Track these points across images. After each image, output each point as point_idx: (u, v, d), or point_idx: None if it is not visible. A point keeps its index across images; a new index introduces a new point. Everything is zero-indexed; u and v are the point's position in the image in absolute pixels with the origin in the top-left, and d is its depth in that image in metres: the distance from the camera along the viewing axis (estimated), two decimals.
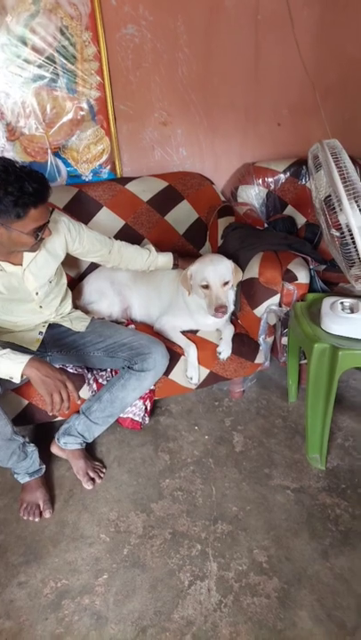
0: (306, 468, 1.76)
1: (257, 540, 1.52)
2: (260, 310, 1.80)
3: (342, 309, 1.59)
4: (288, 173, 2.27)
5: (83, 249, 1.74)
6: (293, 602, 1.36)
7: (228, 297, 1.75)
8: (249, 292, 1.81)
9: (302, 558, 1.47)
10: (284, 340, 1.91)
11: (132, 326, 1.92)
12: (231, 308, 1.88)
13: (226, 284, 1.71)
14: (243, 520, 1.59)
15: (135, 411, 1.83)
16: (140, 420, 1.84)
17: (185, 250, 2.26)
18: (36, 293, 1.62)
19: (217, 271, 1.70)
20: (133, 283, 2.04)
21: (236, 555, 1.49)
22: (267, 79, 2.25)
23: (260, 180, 2.24)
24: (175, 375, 1.80)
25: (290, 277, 1.73)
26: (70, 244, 1.69)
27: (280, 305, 1.78)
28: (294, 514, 1.60)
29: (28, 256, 1.54)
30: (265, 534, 1.54)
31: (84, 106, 2.10)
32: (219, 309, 1.67)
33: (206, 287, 1.71)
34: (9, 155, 2.11)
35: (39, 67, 1.98)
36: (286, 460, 1.80)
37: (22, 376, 1.39)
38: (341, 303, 1.60)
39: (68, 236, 1.67)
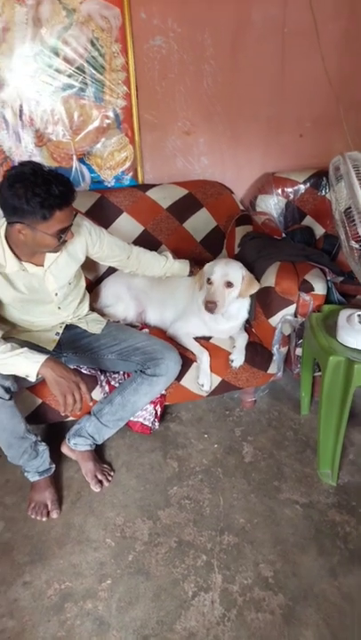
0: (316, 482, 1.73)
1: (263, 554, 1.50)
2: (275, 320, 1.79)
3: (359, 322, 1.56)
4: (308, 184, 2.27)
5: (102, 253, 1.77)
6: (298, 620, 1.32)
7: (227, 298, 1.74)
8: (265, 301, 1.80)
9: (309, 575, 1.43)
10: (299, 351, 1.89)
11: (146, 330, 1.94)
12: (245, 315, 1.88)
13: (229, 285, 1.73)
14: (250, 532, 1.56)
15: (145, 415, 1.83)
16: (150, 425, 1.84)
17: (202, 257, 2.27)
18: (56, 294, 1.64)
19: (224, 270, 1.74)
20: (149, 288, 2.05)
21: (241, 568, 1.46)
22: (291, 91, 2.27)
23: (280, 190, 2.25)
24: (187, 381, 1.79)
25: (306, 288, 1.72)
26: (90, 248, 1.72)
27: (295, 315, 1.77)
28: (302, 529, 1.56)
29: (49, 258, 1.57)
30: (272, 548, 1.51)
31: (110, 114, 2.15)
32: (208, 303, 1.70)
33: (210, 282, 1.74)
34: (36, 160, 2.17)
35: (69, 76, 2.04)
36: (296, 473, 1.77)
37: (38, 375, 1.41)
38: (359, 316, 1.58)
39: (88, 240, 1.69)
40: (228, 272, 1.74)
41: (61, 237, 1.45)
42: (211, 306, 1.69)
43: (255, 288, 1.78)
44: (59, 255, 1.59)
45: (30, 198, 1.32)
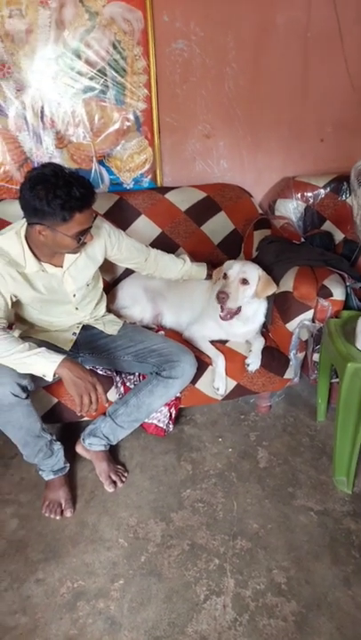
0: (331, 490, 1.71)
1: (277, 560, 1.49)
2: (292, 325, 1.78)
3: None
4: (328, 189, 2.25)
5: (121, 255, 1.78)
6: (311, 628, 1.31)
7: (241, 294, 1.74)
8: (282, 306, 1.79)
9: (323, 583, 1.42)
10: (316, 357, 1.87)
11: (162, 333, 1.94)
12: (262, 319, 1.88)
13: (245, 282, 1.73)
14: (263, 538, 1.56)
15: (160, 417, 1.83)
16: (165, 427, 1.84)
17: (219, 260, 2.27)
18: (74, 295, 1.66)
19: (241, 268, 1.75)
20: (166, 290, 2.06)
21: (254, 573, 1.45)
22: (313, 96, 2.26)
23: (300, 195, 2.24)
24: (202, 385, 1.79)
25: (325, 293, 1.71)
26: (109, 250, 1.73)
27: (313, 321, 1.76)
28: (317, 537, 1.55)
29: (68, 259, 1.58)
30: (285, 555, 1.50)
31: (131, 117, 2.16)
32: (219, 293, 1.71)
33: (226, 277, 1.75)
34: (56, 161, 2.19)
35: (90, 79, 2.06)
36: (311, 480, 1.75)
37: (54, 375, 1.42)
38: None
39: (107, 242, 1.71)
40: (245, 270, 1.75)
41: (81, 239, 1.46)
42: (222, 296, 1.69)
43: (272, 289, 1.77)
44: (78, 257, 1.60)
45: (51, 200, 1.34)
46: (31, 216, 1.41)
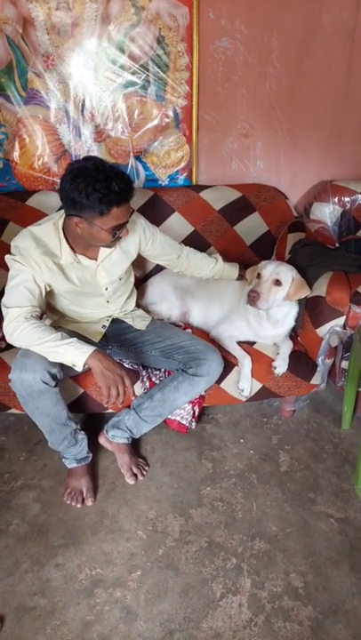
0: (353, 499, 1.70)
1: (294, 564, 1.49)
2: (322, 330, 1.76)
3: None
4: None
5: (154, 251, 1.79)
6: (327, 634, 1.31)
7: (273, 295, 1.72)
8: (314, 311, 1.77)
9: (340, 590, 1.41)
10: (345, 364, 1.85)
11: (189, 331, 1.95)
12: (292, 323, 1.86)
13: (278, 283, 1.72)
14: (282, 541, 1.56)
15: (183, 414, 1.84)
16: (187, 424, 1.85)
17: (250, 262, 2.26)
18: (106, 289, 1.68)
19: (275, 268, 1.73)
20: (195, 288, 2.06)
21: (271, 575, 1.46)
22: (356, 99, 2.21)
23: (337, 199, 2.20)
24: (226, 385, 1.79)
25: (358, 300, 1.68)
26: (143, 245, 1.74)
27: (344, 327, 1.74)
28: (336, 544, 1.54)
29: (103, 252, 1.60)
30: (303, 559, 1.50)
31: (170, 113, 2.17)
32: (251, 292, 1.70)
33: (259, 277, 1.74)
34: (93, 155, 2.21)
35: (132, 73, 2.07)
36: (333, 487, 1.74)
37: (84, 365, 1.45)
38: None
39: (142, 237, 1.72)
40: (278, 271, 1.73)
41: (116, 233, 1.47)
42: (253, 295, 1.68)
43: (305, 293, 1.75)
44: (112, 250, 1.62)
45: (90, 193, 1.35)
46: (69, 208, 1.43)
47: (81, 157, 2.18)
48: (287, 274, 1.74)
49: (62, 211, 1.51)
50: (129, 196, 1.43)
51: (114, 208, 1.40)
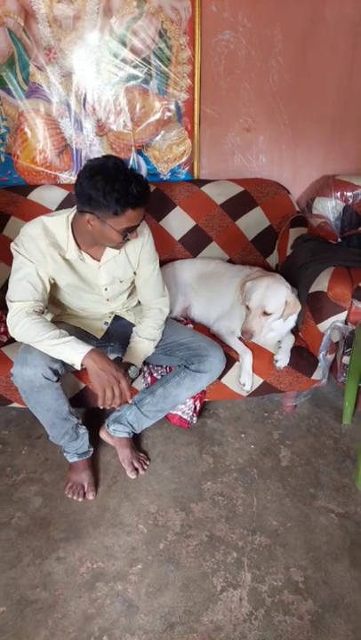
0: (354, 494, 1.70)
1: (295, 559, 1.49)
2: (324, 325, 1.76)
3: None
4: None
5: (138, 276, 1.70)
6: (327, 628, 1.31)
7: (265, 326, 1.71)
8: (315, 306, 1.77)
9: (340, 585, 1.42)
10: (346, 360, 1.85)
11: (191, 326, 1.95)
12: (292, 325, 1.85)
13: (266, 314, 1.69)
14: (282, 536, 1.56)
15: (185, 409, 1.85)
16: (189, 419, 1.86)
17: (251, 256, 2.26)
18: (105, 289, 1.67)
19: (263, 300, 1.69)
20: (197, 284, 2.06)
21: (271, 569, 1.46)
22: (359, 93, 2.20)
23: (339, 194, 2.19)
24: (228, 380, 1.80)
25: (360, 295, 1.68)
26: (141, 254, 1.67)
27: (346, 323, 1.73)
28: (336, 539, 1.55)
29: (107, 254, 1.59)
30: (304, 554, 1.50)
31: (172, 107, 2.15)
32: (244, 333, 1.69)
33: (248, 308, 1.72)
34: (95, 149, 2.21)
35: (135, 67, 2.06)
36: (334, 482, 1.74)
37: (82, 365, 1.45)
38: None
39: (141, 251, 1.65)
40: (267, 301, 1.67)
41: (126, 235, 1.47)
42: (247, 336, 1.69)
43: (297, 311, 1.75)
44: (117, 255, 1.60)
45: (108, 192, 1.34)
46: (84, 204, 1.41)
47: (82, 151, 2.21)
48: (278, 299, 1.69)
49: (74, 207, 1.50)
50: (145, 200, 1.42)
51: (129, 210, 1.39)
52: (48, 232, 1.50)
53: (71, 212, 1.53)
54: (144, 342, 1.70)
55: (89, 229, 1.45)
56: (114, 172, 1.35)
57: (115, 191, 1.34)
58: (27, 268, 1.48)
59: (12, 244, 1.51)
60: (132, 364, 1.66)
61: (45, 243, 1.49)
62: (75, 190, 1.42)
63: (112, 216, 1.39)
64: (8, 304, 1.49)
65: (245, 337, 1.70)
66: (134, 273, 1.69)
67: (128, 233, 1.46)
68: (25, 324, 1.44)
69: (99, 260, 1.59)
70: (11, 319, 1.47)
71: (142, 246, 1.64)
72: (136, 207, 1.40)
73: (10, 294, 1.50)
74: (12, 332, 1.48)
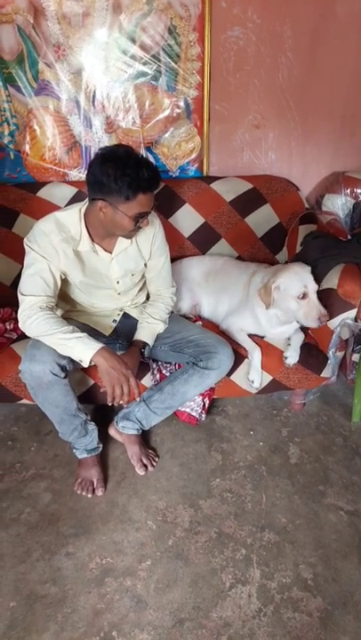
0: None
1: (304, 556, 1.49)
2: (333, 323, 1.75)
3: None
4: None
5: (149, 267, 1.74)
6: (337, 625, 1.31)
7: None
8: (325, 303, 1.75)
9: (350, 582, 1.41)
10: (355, 357, 1.85)
11: (200, 323, 1.94)
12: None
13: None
14: (291, 533, 1.56)
15: (193, 406, 1.85)
16: (197, 416, 1.86)
17: (260, 253, 2.25)
18: (117, 282, 1.68)
19: (312, 280, 1.70)
20: (205, 281, 2.06)
21: (280, 566, 1.46)
22: None
23: (349, 191, 2.18)
24: (237, 377, 1.79)
25: None
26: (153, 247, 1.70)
27: (356, 320, 1.73)
28: (346, 536, 1.54)
29: (119, 246, 1.60)
30: (313, 551, 1.50)
31: (181, 104, 2.15)
32: (323, 317, 1.66)
33: (303, 297, 1.68)
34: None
35: (144, 64, 2.05)
36: (343, 480, 1.74)
37: (90, 362, 1.45)
38: None
39: (152, 242, 1.68)
40: (312, 279, 1.70)
41: (138, 221, 1.47)
42: (325, 319, 1.66)
43: None
44: (129, 246, 1.61)
45: (119, 177, 1.36)
46: (96, 191, 1.43)
47: (91, 148, 2.21)
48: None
49: (86, 199, 1.52)
50: (156, 184, 1.43)
51: (140, 194, 1.40)
52: (61, 227, 1.51)
53: (83, 205, 1.54)
54: (159, 324, 1.74)
55: (101, 218, 1.46)
56: (124, 158, 1.36)
57: (126, 175, 1.35)
58: (39, 263, 1.49)
59: (25, 240, 1.51)
60: (146, 344, 1.72)
61: (58, 239, 1.50)
62: (86, 179, 1.44)
63: (124, 201, 1.40)
64: (20, 297, 1.50)
65: (324, 320, 1.66)
66: (145, 265, 1.70)
67: (140, 219, 1.46)
68: (38, 318, 1.45)
69: (111, 253, 1.60)
70: (22, 312, 1.47)
71: (154, 236, 1.66)
72: (147, 191, 1.41)
73: (22, 287, 1.50)
74: (23, 326, 1.49)
